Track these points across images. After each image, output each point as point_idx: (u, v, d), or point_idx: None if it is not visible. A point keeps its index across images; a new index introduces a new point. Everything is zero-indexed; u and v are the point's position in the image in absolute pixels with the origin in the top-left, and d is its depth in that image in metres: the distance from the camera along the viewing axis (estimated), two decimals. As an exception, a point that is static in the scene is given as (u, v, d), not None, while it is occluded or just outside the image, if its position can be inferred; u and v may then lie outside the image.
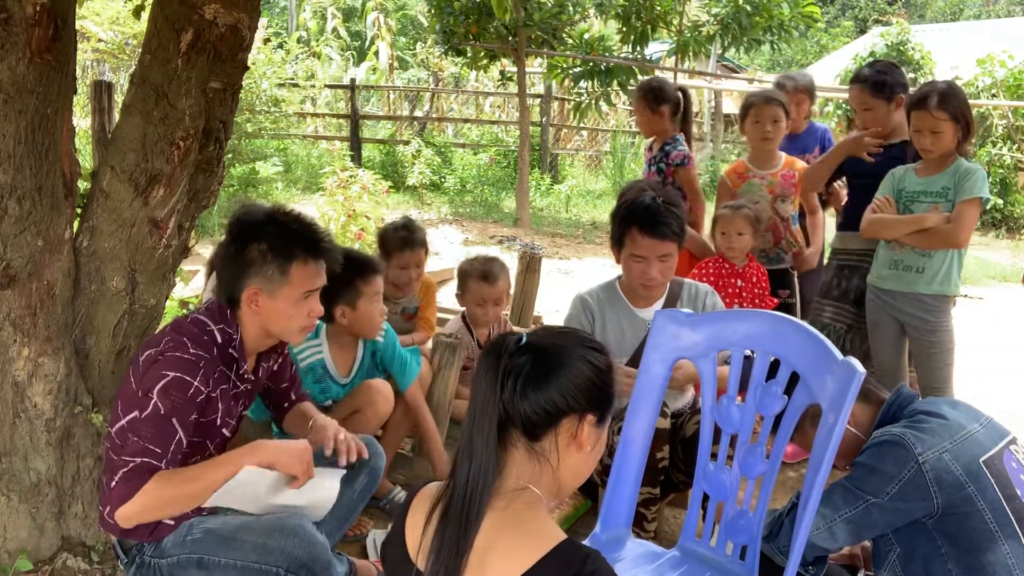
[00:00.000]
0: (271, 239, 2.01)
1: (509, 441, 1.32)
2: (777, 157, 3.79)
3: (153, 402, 1.89)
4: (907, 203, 3.13)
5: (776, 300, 3.65)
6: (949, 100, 2.97)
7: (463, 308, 3.47)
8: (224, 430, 2.13)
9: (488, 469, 1.28)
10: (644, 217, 2.57)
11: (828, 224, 4.02)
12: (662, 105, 4.00)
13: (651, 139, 4.18)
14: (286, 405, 2.43)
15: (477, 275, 3.31)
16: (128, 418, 1.89)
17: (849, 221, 3.50)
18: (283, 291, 2.02)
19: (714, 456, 2.14)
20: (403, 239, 3.31)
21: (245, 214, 2.09)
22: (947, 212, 3.01)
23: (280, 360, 2.35)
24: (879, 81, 3.32)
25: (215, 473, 1.94)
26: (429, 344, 3.25)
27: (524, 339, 1.33)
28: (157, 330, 2.35)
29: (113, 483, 1.86)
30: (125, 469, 1.85)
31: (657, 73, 11.80)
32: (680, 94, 4.08)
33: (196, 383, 1.94)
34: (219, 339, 2.05)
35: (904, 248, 3.11)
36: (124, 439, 1.88)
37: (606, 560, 1.26)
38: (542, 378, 1.30)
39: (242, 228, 2.06)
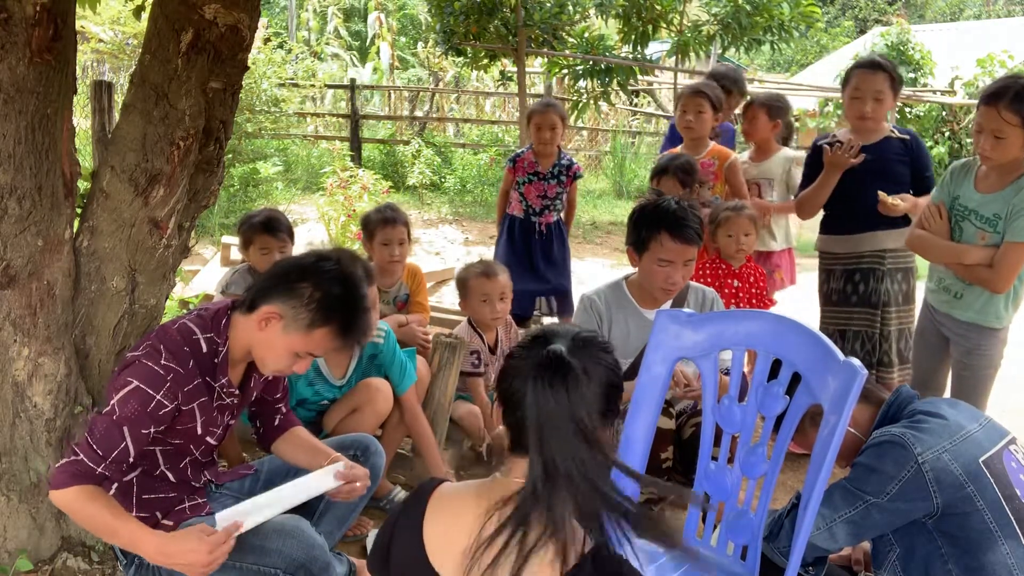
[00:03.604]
0: (326, 293, 1.95)
1: None
2: (704, 145, 3.96)
3: (112, 405, 1.89)
4: (958, 218, 2.83)
5: (774, 301, 3.65)
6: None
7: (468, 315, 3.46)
8: (208, 438, 2.11)
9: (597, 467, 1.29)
10: (673, 221, 2.56)
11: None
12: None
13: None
14: (276, 423, 2.34)
15: (476, 274, 3.33)
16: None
17: (838, 223, 3.36)
18: (295, 337, 1.96)
19: (714, 457, 2.14)
20: (384, 217, 3.45)
21: (337, 259, 2.01)
22: (993, 243, 2.72)
23: None
24: (895, 73, 3.27)
25: (125, 529, 1.86)
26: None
27: (558, 348, 1.34)
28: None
29: (58, 465, 1.88)
30: (68, 459, 1.87)
31: (657, 73, 11.81)
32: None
33: (159, 397, 1.91)
34: (204, 348, 2.01)
35: (948, 268, 2.89)
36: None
37: (635, 568, 1.28)
38: (584, 380, 1.32)
39: (317, 265, 1.99)
